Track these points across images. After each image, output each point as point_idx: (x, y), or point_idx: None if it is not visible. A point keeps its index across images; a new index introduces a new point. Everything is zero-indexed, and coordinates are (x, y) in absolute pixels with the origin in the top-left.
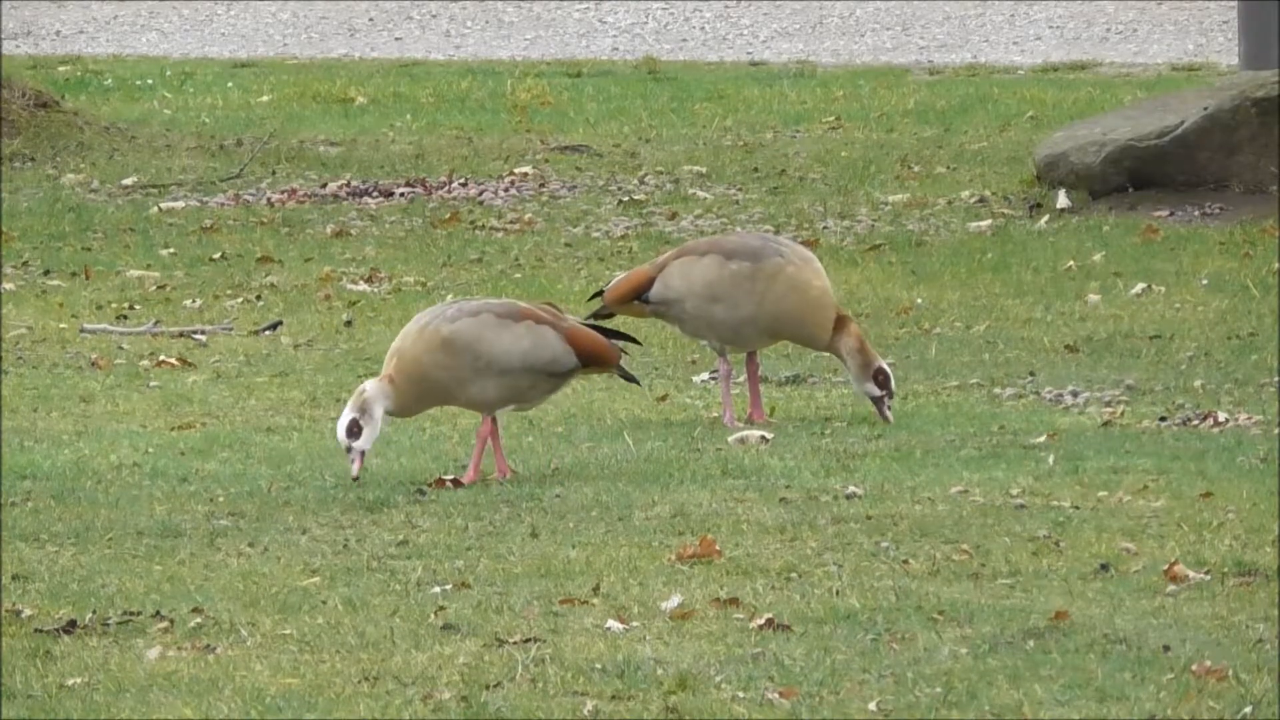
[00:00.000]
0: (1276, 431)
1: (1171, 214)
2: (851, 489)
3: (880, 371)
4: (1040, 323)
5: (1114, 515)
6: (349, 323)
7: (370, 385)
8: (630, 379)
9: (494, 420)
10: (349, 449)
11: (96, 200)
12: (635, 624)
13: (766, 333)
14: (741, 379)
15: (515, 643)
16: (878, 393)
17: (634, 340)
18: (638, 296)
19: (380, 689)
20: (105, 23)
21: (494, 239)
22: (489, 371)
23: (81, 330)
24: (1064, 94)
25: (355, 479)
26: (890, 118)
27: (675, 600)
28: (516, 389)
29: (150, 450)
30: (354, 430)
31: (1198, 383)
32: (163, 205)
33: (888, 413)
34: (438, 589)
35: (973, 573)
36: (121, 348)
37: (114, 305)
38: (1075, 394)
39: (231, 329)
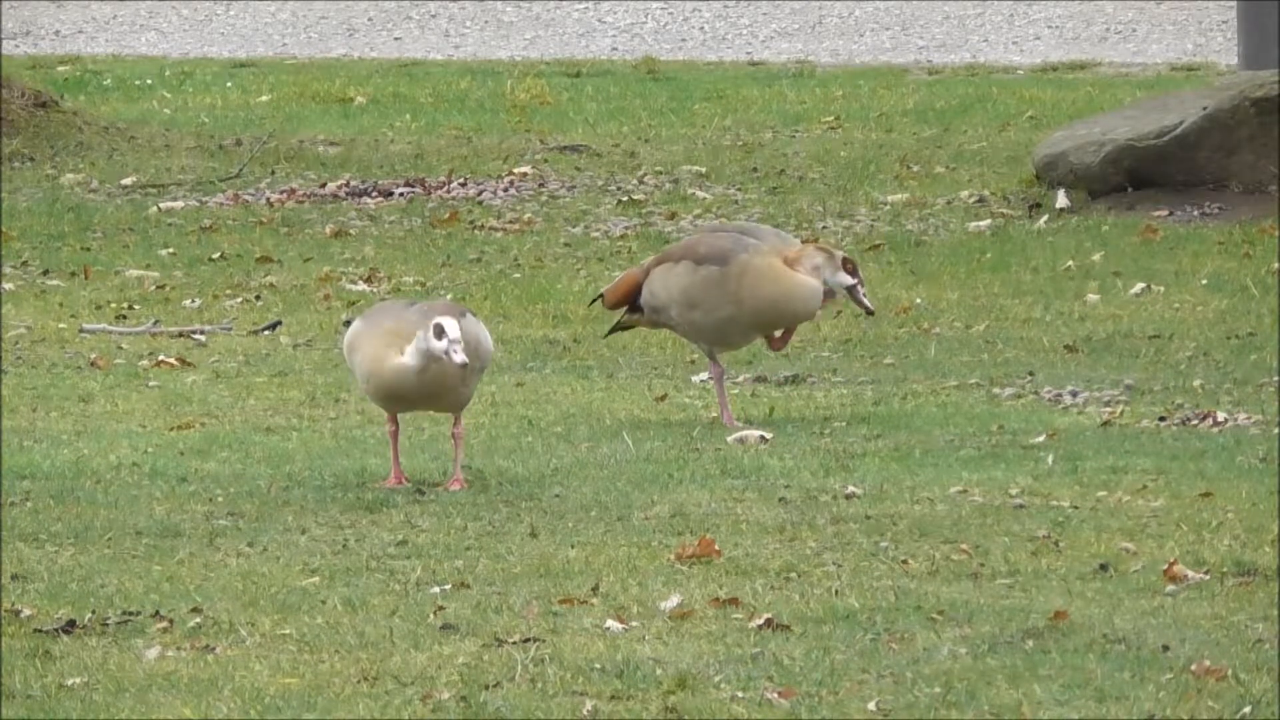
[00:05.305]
0: (1276, 431)
1: (1171, 214)
2: (851, 489)
3: (847, 260)
4: (1040, 323)
5: (1113, 515)
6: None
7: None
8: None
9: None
10: (447, 348)
11: (96, 200)
12: (634, 624)
13: (754, 328)
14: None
15: (514, 643)
16: (850, 280)
17: None
18: (632, 298)
19: (379, 689)
20: (104, 23)
21: (493, 239)
22: (480, 368)
23: (81, 330)
24: (1063, 94)
25: (464, 364)
26: (890, 118)
27: (674, 600)
28: (475, 385)
29: (150, 450)
30: (439, 332)
31: (1197, 382)
32: (162, 205)
33: (865, 300)
34: (437, 589)
35: (972, 572)
36: (121, 348)
37: (113, 305)
38: (1074, 394)
39: (231, 329)
